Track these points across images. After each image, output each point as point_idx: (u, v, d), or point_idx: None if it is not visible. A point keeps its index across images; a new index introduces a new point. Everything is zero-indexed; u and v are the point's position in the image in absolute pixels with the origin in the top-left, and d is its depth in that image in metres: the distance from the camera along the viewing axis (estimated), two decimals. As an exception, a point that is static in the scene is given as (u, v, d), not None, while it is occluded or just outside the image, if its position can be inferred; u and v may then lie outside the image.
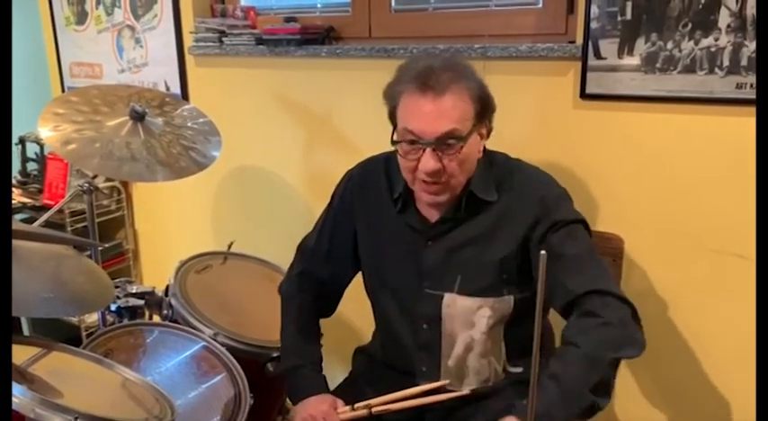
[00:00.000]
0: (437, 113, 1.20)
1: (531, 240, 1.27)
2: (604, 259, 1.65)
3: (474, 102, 1.23)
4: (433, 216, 1.34)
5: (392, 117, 1.29)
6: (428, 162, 1.21)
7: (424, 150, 1.22)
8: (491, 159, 1.35)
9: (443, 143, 1.21)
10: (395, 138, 1.27)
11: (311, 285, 1.52)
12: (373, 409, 1.33)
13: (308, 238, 1.55)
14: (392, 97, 1.28)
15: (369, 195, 1.43)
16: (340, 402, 1.39)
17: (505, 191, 1.31)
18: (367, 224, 1.44)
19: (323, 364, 1.49)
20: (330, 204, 1.51)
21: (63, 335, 2.70)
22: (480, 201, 1.30)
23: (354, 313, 1.49)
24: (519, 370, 1.37)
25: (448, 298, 1.33)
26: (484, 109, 1.26)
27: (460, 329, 1.33)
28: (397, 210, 1.38)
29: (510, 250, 1.29)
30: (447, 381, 1.35)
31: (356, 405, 1.35)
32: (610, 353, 1.13)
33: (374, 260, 1.45)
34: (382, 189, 1.41)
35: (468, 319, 1.32)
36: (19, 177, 2.74)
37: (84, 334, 2.57)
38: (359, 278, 1.51)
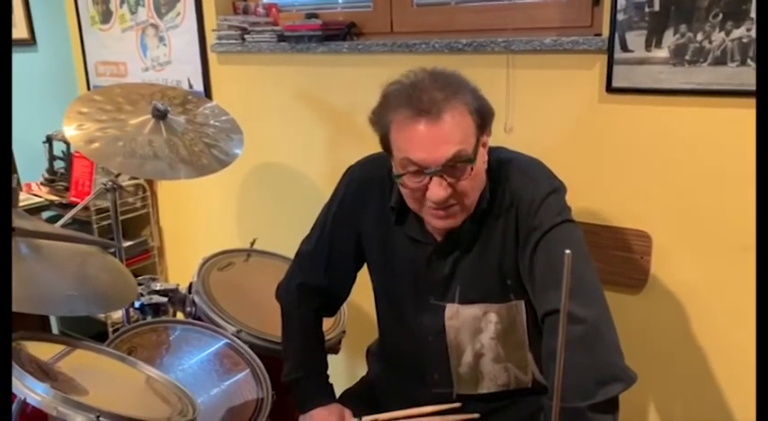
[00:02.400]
0: (438, 138, 1.10)
1: (519, 246, 1.21)
2: (633, 256, 1.64)
3: (472, 115, 1.14)
4: (437, 232, 1.26)
5: (384, 144, 1.20)
6: (438, 191, 1.12)
7: (430, 179, 1.13)
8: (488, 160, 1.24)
9: (451, 168, 1.12)
10: (395, 171, 1.18)
11: (312, 297, 1.46)
12: None
13: (306, 243, 1.47)
14: (382, 125, 1.17)
15: (371, 199, 1.34)
16: (348, 412, 1.38)
17: (497, 193, 1.23)
18: (372, 230, 1.36)
19: (329, 372, 1.47)
20: (329, 205, 1.42)
21: (90, 330, 2.75)
22: (480, 209, 1.22)
23: (373, 304, 1.46)
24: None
25: (450, 309, 1.28)
26: (483, 119, 1.16)
27: (468, 338, 1.28)
28: (393, 221, 1.30)
29: (507, 255, 1.22)
30: (459, 404, 1.31)
31: (364, 418, 1.33)
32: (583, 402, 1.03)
33: (380, 269, 1.39)
34: (385, 193, 1.32)
35: (476, 326, 1.27)
36: (46, 175, 2.77)
37: (110, 329, 2.61)
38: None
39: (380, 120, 1.17)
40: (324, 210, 1.45)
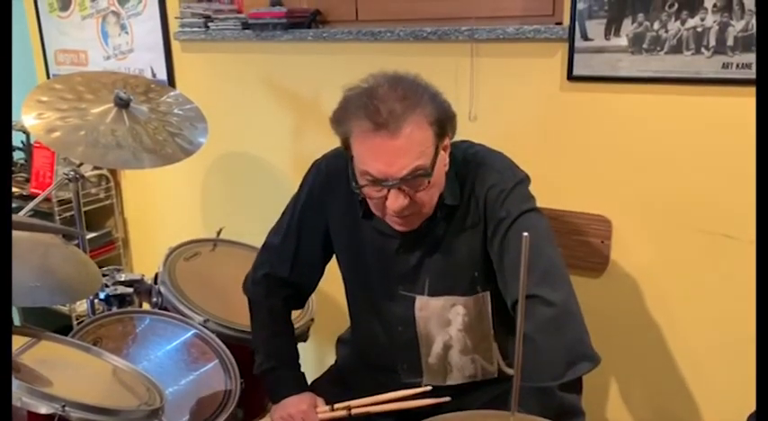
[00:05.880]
0: (397, 153, 1.11)
1: (487, 239, 1.24)
2: (593, 240, 1.68)
3: (432, 126, 1.14)
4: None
5: (345, 147, 1.20)
6: (396, 201, 1.15)
7: (388, 190, 1.15)
8: (453, 156, 1.26)
9: (408, 181, 1.14)
10: (356, 180, 1.19)
11: (279, 288, 1.46)
12: (352, 411, 1.33)
13: (273, 235, 1.47)
14: (342, 131, 1.18)
15: (338, 191, 1.34)
16: (320, 400, 1.39)
17: (465, 188, 1.26)
18: (340, 220, 1.37)
19: (300, 361, 1.48)
20: (297, 198, 1.43)
21: (54, 324, 2.70)
22: (449, 206, 1.25)
23: (341, 293, 1.48)
24: (512, 371, 1.33)
25: (420, 301, 1.30)
26: (443, 127, 1.17)
27: (437, 329, 1.31)
28: (361, 215, 1.31)
29: (476, 248, 1.25)
30: (429, 388, 1.33)
31: (336, 405, 1.34)
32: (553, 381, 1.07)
33: (349, 259, 1.40)
34: (351, 184, 1.30)
35: (444, 318, 1.30)
36: (6, 166, 2.71)
37: (75, 323, 2.57)
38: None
39: (340, 126, 1.18)
40: (291, 203, 1.45)
